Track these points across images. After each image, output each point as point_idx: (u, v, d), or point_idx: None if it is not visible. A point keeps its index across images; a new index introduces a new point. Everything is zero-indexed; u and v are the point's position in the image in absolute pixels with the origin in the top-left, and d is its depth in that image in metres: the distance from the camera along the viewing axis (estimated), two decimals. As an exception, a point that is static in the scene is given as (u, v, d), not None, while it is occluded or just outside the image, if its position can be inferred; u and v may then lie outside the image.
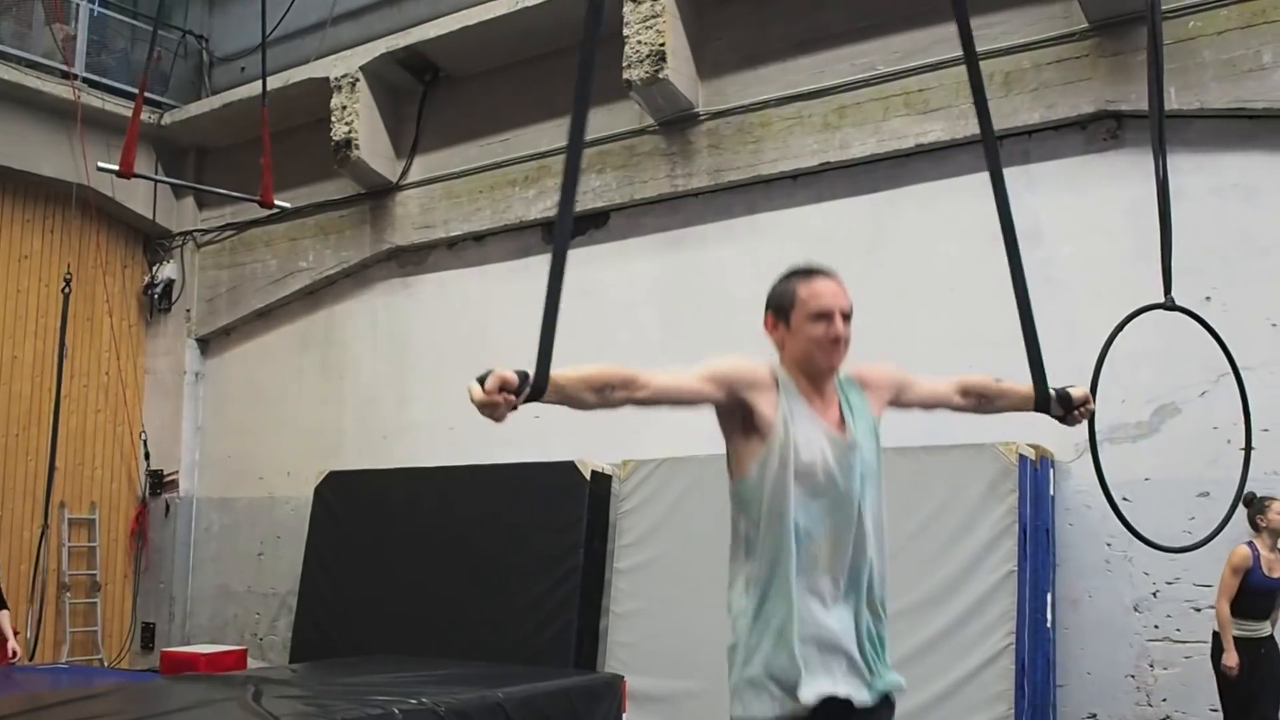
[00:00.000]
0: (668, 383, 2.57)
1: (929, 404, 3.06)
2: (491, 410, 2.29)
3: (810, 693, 2.52)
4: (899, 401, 2.95)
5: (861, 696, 2.61)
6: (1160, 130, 4.01)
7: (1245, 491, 5.75)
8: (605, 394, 2.48)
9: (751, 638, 2.62)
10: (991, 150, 3.09)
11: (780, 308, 2.79)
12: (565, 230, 2.58)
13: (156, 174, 10.94)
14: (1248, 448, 4.10)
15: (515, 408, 2.32)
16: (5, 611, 6.49)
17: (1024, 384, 3.10)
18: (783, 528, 2.60)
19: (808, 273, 2.83)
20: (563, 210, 2.61)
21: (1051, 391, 3.12)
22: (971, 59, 2.87)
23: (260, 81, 10.15)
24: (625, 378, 2.49)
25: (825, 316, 2.71)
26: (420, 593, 8.45)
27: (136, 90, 10.77)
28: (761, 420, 2.64)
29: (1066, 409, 3.15)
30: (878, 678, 2.68)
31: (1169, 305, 4.19)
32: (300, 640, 9.15)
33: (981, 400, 3.13)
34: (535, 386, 2.35)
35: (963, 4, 2.49)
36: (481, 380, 2.29)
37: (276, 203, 8.39)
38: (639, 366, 2.54)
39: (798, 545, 2.60)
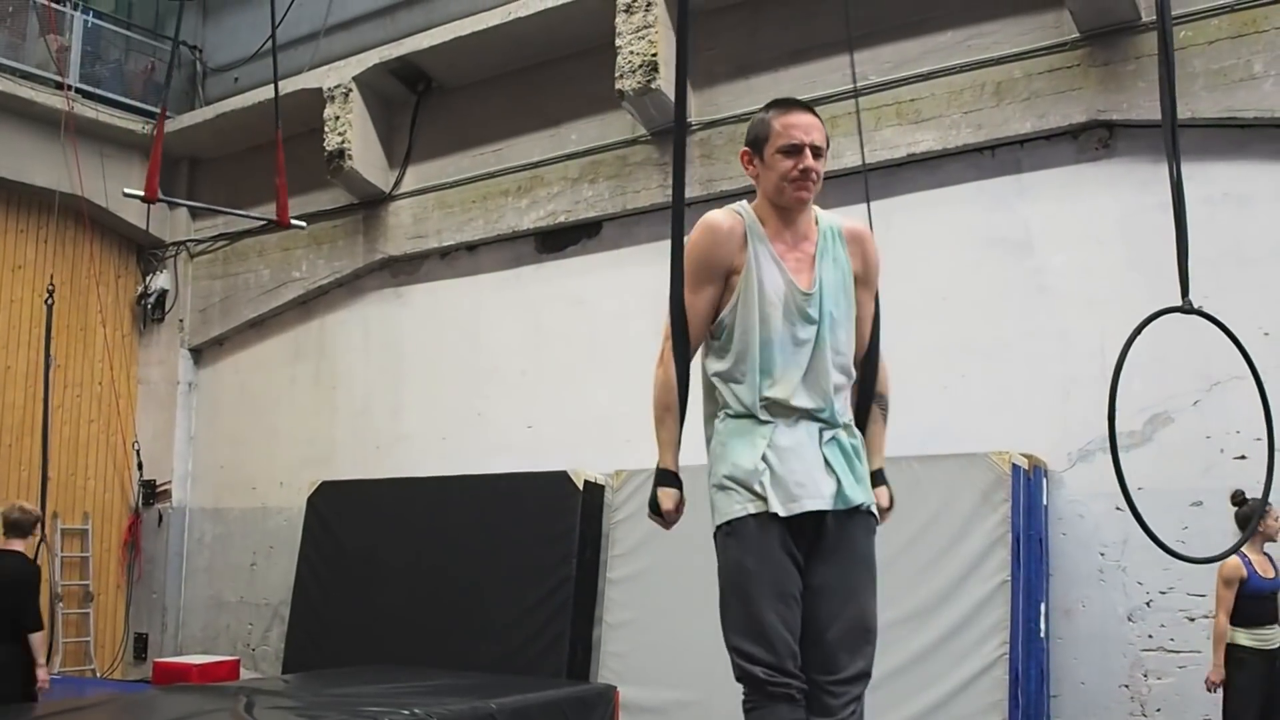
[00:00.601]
0: (697, 333, 2.82)
1: (853, 337, 2.95)
2: (670, 525, 2.80)
3: (749, 510, 2.66)
4: (855, 279, 2.94)
5: (821, 503, 2.69)
6: (1173, 130, 4.01)
7: (1235, 492, 5.75)
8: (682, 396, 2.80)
9: (718, 448, 2.78)
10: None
11: (755, 141, 2.83)
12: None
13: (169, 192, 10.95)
14: (1271, 450, 4.08)
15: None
16: (39, 634, 6.30)
17: (875, 454, 2.98)
18: (749, 359, 2.73)
19: (784, 105, 2.84)
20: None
21: (873, 436, 2.98)
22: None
23: (256, 91, 10.22)
24: (681, 351, 2.78)
25: (795, 150, 2.73)
26: (413, 603, 8.42)
27: (130, 101, 10.89)
28: (735, 273, 2.78)
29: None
30: (841, 488, 2.73)
31: (1187, 308, 4.16)
32: (293, 650, 9.11)
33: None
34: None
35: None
36: (654, 508, 2.77)
37: (293, 222, 8.38)
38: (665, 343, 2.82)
39: (761, 373, 2.72)
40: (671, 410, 2.78)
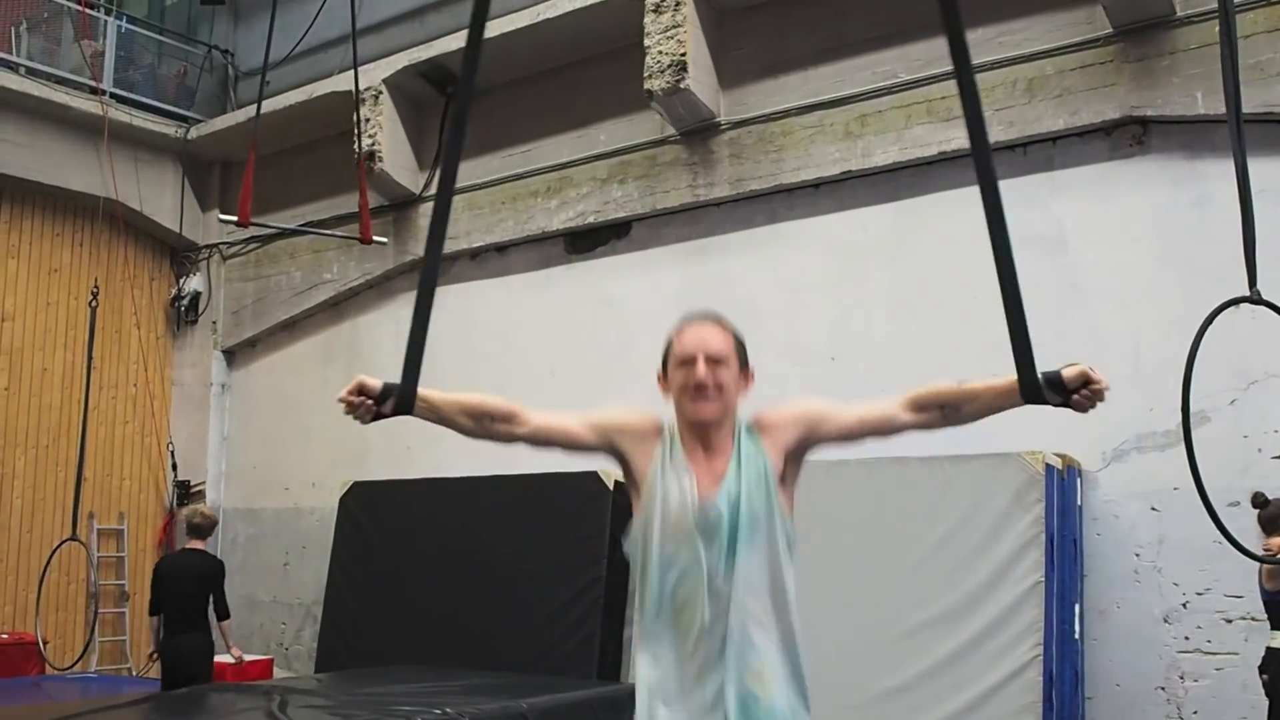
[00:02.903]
0: (548, 423, 2.63)
1: (861, 431, 2.65)
2: (351, 411, 2.48)
3: None
4: (818, 437, 2.63)
5: None
6: (1238, 119, 3.95)
7: (1255, 494, 5.67)
8: (483, 423, 2.64)
9: (639, 680, 2.60)
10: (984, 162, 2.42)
11: (663, 358, 2.66)
12: (434, 256, 2.59)
13: (183, 191, 11.06)
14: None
15: (381, 416, 2.50)
16: (227, 622, 7.40)
17: (999, 378, 2.51)
18: (646, 586, 2.54)
19: (683, 321, 2.66)
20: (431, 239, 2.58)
21: (1040, 378, 2.41)
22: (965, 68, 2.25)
23: (286, 95, 10.30)
24: (506, 412, 2.60)
25: (687, 362, 2.55)
26: (444, 603, 8.46)
27: (164, 105, 10.99)
28: (637, 474, 2.60)
29: (1064, 394, 2.41)
30: None
31: (1255, 299, 4.11)
32: (325, 650, 9.17)
33: (945, 410, 2.63)
34: (401, 397, 2.49)
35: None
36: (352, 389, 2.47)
37: (376, 239, 8.58)
38: (527, 405, 2.62)
39: (659, 606, 2.52)
40: (468, 414, 2.65)
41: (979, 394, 2.57)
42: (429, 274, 2.55)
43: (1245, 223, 3.98)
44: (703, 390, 2.52)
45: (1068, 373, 2.41)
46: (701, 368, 2.52)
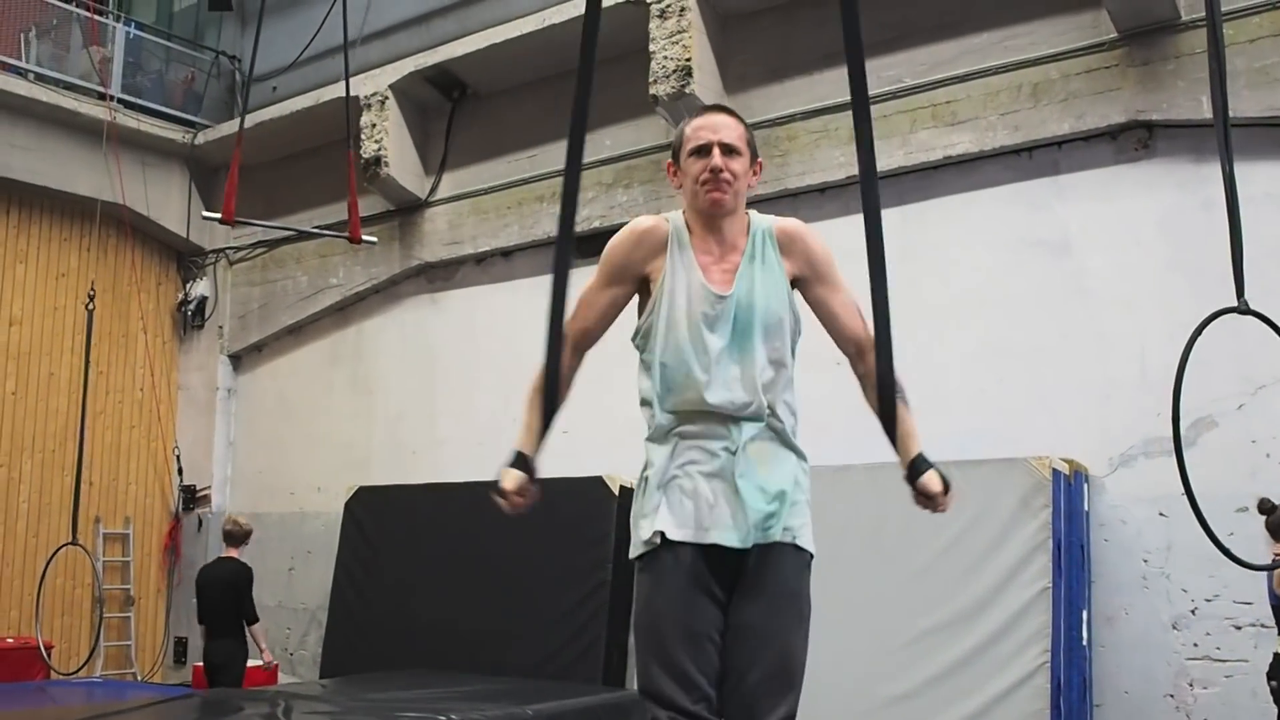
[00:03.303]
0: (590, 316, 2.71)
1: (820, 312, 2.73)
2: (523, 509, 2.59)
3: (656, 527, 2.53)
4: (810, 289, 2.72)
5: (733, 538, 2.52)
6: (1225, 128, 3.94)
7: (1262, 500, 5.65)
8: (576, 368, 2.72)
9: (641, 476, 2.67)
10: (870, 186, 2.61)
11: (674, 151, 2.73)
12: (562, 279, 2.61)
13: (190, 196, 11.08)
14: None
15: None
16: (257, 625, 7.52)
17: (905, 438, 2.64)
18: (654, 375, 2.62)
19: (699, 110, 2.75)
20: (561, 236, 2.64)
21: (905, 427, 2.61)
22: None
23: (292, 100, 10.33)
24: (574, 340, 2.69)
25: (704, 150, 2.61)
26: (449, 608, 8.45)
27: (171, 111, 11.02)
28: (653, 279, 2.66)
29: (908, 474, 2.65)
30: (754, 523, 2.52)
31: (1243, 309, 4.10)
32: (330, 655, 9.17)
33: (859, 374, 2.71)
34: (546, 423, 2.59)
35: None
36: (500, 493, 2.53)
37: (364, 237, 8.56)
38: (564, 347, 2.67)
39: (666, 392, 2.60)
40: (540, 394, 2.63)
41: (867, 389, 2.66)
42: (561, 265, 2.59)
43: (1233, 232, 3.98)
44: (718, 178, 2.58)
45: (932, 485, 2.64)
46: (717, 156, 2.58)
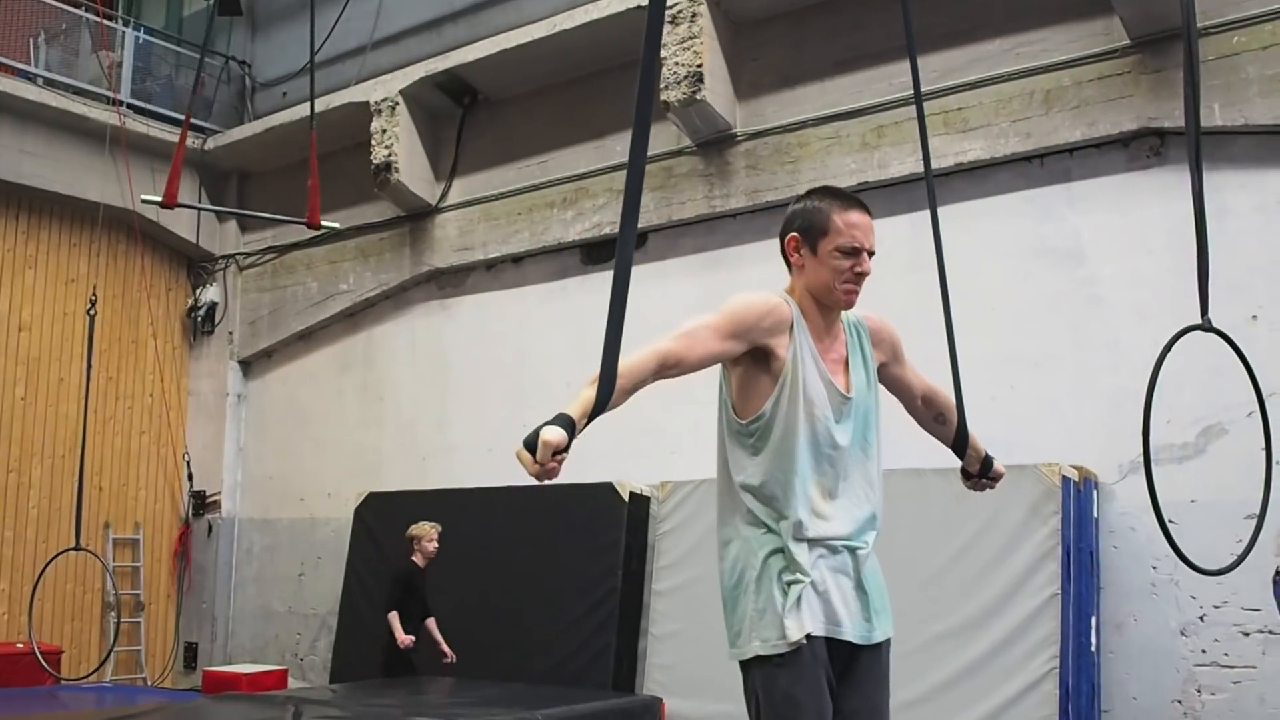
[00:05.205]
0: (699, 355, 2.55)
1: (900, 389, 2.99)
2: (547, 477, 2.22)
3: (806, 629, 2.54)
4: (887, 371, 2.90)
5: (861, 634, 2.62)
6: (1196, 146, 3.95)
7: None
8: (657, 380, 2.56)
9: (748, 565, 2.63)
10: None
11: (808, 230, 2.70)
12: (628, 249, 2.44)
13: (200, 200, 11.10)
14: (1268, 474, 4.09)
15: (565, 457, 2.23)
16: (431, 619, 7.64)
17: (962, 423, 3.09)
18: (791, 466, 2.59)
19: (844, 199, 2.72)
20: (625, 224, 2.50)
21: (974, 442, 3.10)
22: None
23: (303, 105, 10.33)
24: (669, 363, 2.51)
25: (855, 253, 2.65)
26: (459, 614, 8.44)
27: (181, 116, 11.04)
28: (777, 360, 2.62)
29: (980, 470, 3.13)
30: (876, 621, 2.66)
31: (1205, 327, 4.11)
32: (340, 661, 9.18)
33: (933, 418, 3.07)
34: (599, 403, 2.32)
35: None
36: (530, 446, 2.17)
37: (324, 223, 8.34)
38: (662, 344, 2.54)
39: (801, 484, 2.59)
40: (643, 384, 2.50)
41: (949, 425, 3.08)
42: (623, 263, 2.40)
43: (1200, 251, 3.99)
44: (861, 281, 2.66)
45: (997, 467, 3.16)
46: (867, 262, 2.66)
